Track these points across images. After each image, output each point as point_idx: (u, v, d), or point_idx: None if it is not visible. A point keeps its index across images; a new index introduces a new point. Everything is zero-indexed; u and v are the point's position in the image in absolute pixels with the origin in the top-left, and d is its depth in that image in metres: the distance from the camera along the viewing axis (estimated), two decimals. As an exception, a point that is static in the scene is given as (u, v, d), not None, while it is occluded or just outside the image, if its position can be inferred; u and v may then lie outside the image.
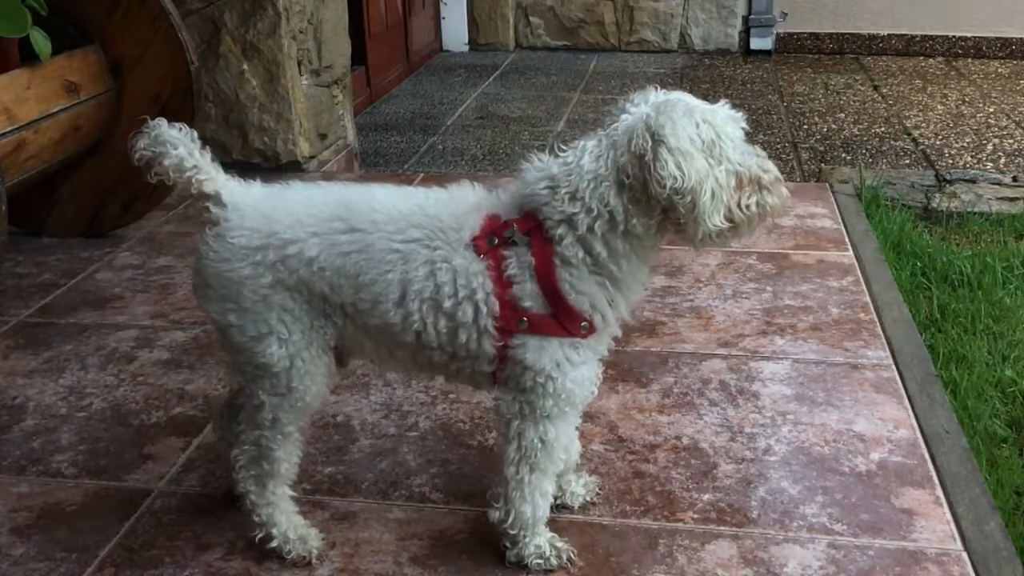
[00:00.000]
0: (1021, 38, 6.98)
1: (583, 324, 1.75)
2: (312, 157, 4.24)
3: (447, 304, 1.75)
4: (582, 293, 1.74)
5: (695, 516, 2.08)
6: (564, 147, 1.77)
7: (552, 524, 1.97)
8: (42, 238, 3.63)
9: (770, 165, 1.73)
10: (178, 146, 1.79)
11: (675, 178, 1.62)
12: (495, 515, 1.90)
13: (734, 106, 1.75)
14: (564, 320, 1.74)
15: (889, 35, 7.16)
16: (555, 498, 2.01)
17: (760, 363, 2.69)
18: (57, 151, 3.25)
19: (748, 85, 6.36)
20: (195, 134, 1.82)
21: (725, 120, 1.70)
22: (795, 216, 3.71)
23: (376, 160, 4.92)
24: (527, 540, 1.90)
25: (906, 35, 7.14)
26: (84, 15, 3.36)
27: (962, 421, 2.53)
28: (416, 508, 2.12)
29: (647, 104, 1.70)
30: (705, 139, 1.66)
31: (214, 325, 1.87)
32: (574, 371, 1.78)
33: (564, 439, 1.86)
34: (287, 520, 1.94)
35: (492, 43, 7.35)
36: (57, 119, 3.19)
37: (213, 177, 1.82)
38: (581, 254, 1.71)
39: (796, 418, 2.43)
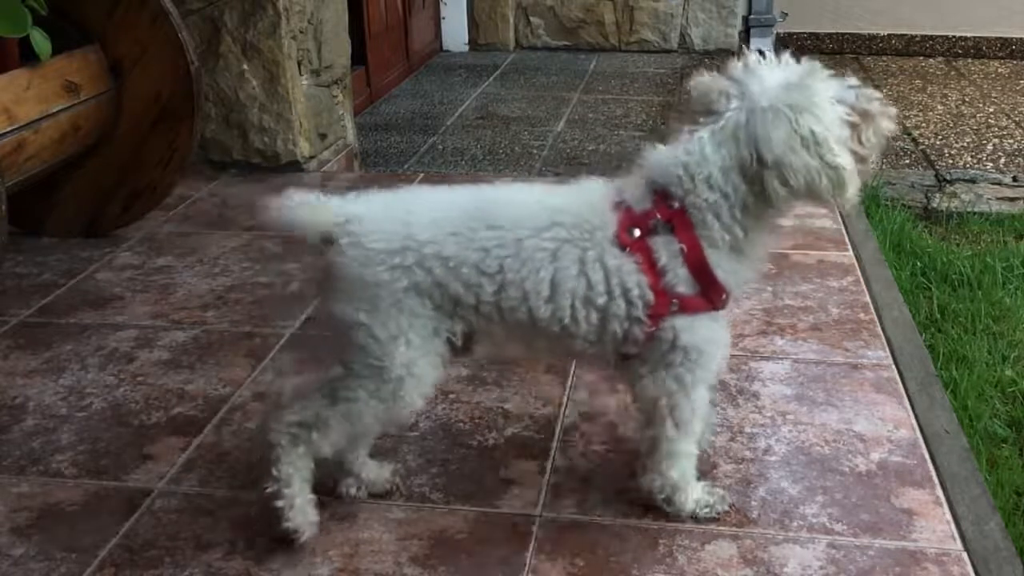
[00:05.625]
0: (1021, 38, 6.98)
1: (724, 296, 1.83)
2: (312, 157, 4.24)
3: (600, 301, 1.80)
4: (726, 271, 1.81)
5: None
6: (670, 138, 1.82)
7: (552, 523, 1.97)
8: (42, 238, 3.63)
9: (870, 92, 1.81)
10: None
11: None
12: (646, 483, 1.99)
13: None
14: (711, 296, 1.81)
15: (889, 35, 7.16)
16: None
17: (760, 363, 2.69)
18: (57, 151, 3.25)
19: (748, 85, 6.35)
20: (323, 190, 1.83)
21: (823, 100, 1.74)
22: (795, 216, 3.70)
23: (376, 160, 4.92)
24: (686, 497, 1.99)
25: (906, 35, 7.14)
26: (84, 15, 3.36)
27: (962, 421, 2.53)
28: (416, 508, 2.12)
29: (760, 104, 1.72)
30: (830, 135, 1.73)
31: (334, 323, 1.84)
32: (720, 341, 1.87)
33: (706, 399, 1.94)
34: (298, 489, 1.93)
35: (492, 43, 7.34)
36: (57, 119, 3.19)
37: (339, 210, 1.83)
38: (727, 236, 1.78)
39: (796, 418, 2.43)
